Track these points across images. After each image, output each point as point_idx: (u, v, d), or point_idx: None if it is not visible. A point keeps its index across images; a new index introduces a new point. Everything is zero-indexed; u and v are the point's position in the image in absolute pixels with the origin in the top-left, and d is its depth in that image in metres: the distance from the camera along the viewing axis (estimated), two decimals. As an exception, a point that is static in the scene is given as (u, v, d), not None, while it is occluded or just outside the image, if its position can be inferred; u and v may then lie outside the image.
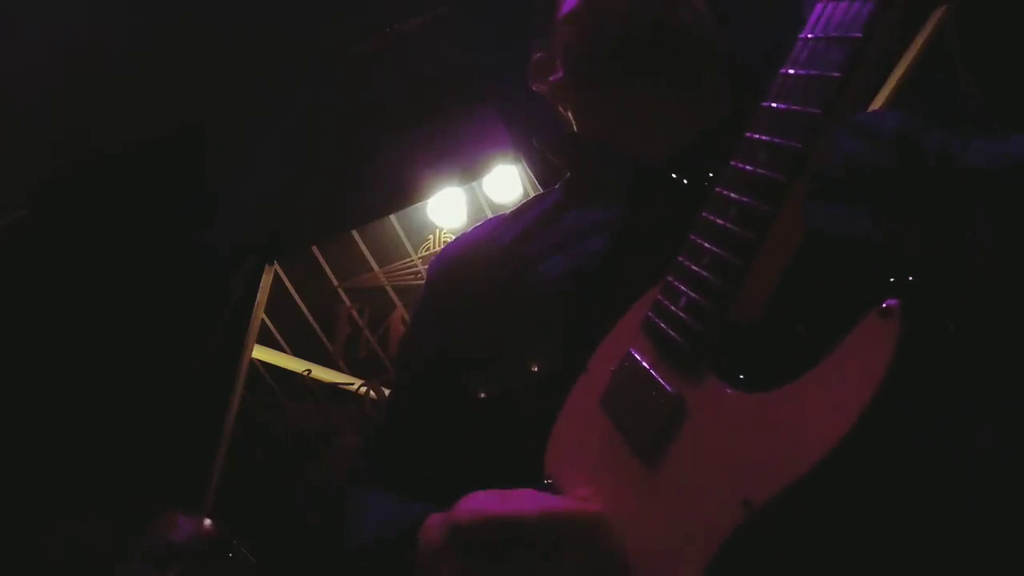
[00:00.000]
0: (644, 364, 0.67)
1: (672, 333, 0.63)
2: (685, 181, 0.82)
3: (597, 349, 0.74)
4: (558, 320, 0.84)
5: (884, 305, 0.49)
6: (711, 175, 0.78)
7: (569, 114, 1.09)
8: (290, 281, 4.47)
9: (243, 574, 3.45)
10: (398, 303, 4.51)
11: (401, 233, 4.28)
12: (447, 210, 3.83)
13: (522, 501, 0.66)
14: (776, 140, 0.59)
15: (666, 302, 0.65)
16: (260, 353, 4.29)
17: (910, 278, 0.50)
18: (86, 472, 2.92)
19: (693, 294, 0.62)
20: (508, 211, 1.11)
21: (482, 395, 0.88)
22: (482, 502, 0.68)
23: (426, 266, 4.15)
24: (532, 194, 3.92)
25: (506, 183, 3.63)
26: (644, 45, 0.93)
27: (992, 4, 2.06)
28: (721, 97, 0.96)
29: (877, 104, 2.14)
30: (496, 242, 1.02)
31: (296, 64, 2.88)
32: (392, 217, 4.05)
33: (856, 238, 0.75)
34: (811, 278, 0.63)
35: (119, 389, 2.99)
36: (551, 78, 1.07)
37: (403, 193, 2.99)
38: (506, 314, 0.91)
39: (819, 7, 0.60)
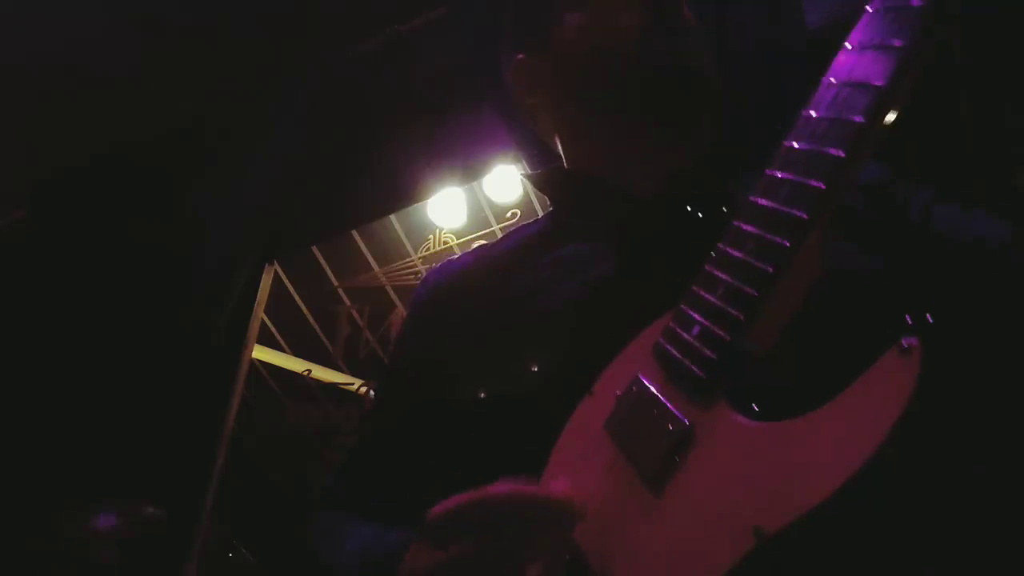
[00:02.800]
0: (653, 390, 0.67)
1: (684, 360, 0.65)
2: (700, 215, 0.83)
3: (603, 373, 0.75)
4: (559, 348, 0.85)
5: (904, 343, 0.50)
6: (724, 208, 0.80)
7: (556, 136, 1.07)
8: (290, 281, 4.48)
9: (243, 574, 3.45)
10: (398, 303, 4.51)
11: (401, 233, 4.29)
12: (447, 210, 3.83)
13: (496, 486, 0.66)
14: (799, 179, 0.61)
15: (678, 330, 0.67)
16: (260, 353, 4.30)
17: (928, 317, 0.51)
18: (86, 472, 2.92)
19: (707, 323, 0.63)
20: (490, 242, 1.10)
21: (481, 398, 0.87)
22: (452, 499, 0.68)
23: (426, 266, 4.16)
24: (532, 195, 3.92)
25: (506, 183, 3.64)
26: (650, 82, 0.93)
27: (995, 24, 2.05)
28: (713, 134, 0.96)
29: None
30: (484, 271, 1.01)
31: (296, 64, 2.88)
32: (392, 217, 4.05)
33: (867, 273, 0.76)
34: (825, 313, 0.64)
35: (119, 389, 2.99)
36: (539, 94, 1.05)
37: (403, 193, 2.99)
38: (500, 344, 0.91)
39: (842, 55, 0.62)
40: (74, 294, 3.11)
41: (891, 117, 0.58)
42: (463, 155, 2.85)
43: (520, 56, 1.07)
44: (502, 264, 1.02)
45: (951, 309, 0.61)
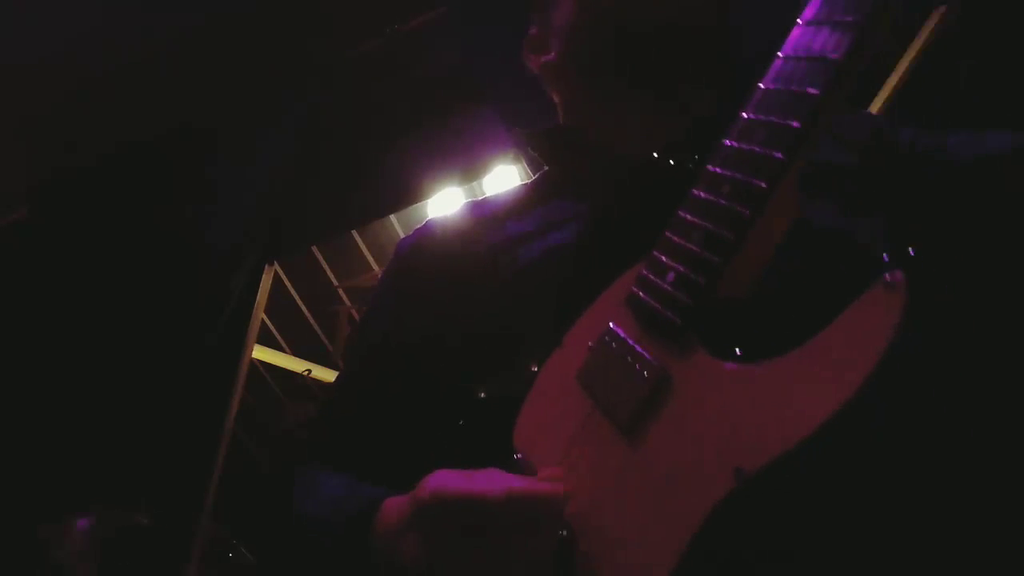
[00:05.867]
0: (627, 338, 0.66)
1: (659, 307, 0.63)
2: (672, 162, 0.82)
3: (574, 324, 0.74)
4: (538, 302, 0.84)
5: (888, 278, 0.49)
6: (696, 158, 0.79)
7: (555, 97, 1.08)
8: (290, 281, 4.48)
9: (243, 574, 3.45)
10: (398, 303, 4.51)
11: (401, 233, 4.28)
12: (447, 210, 3.82)
13: (487, 481, 0.66)
14: (775, 119, 0.60)
15: (652, 277, 0.65)
16: (260, 353, 4.29)
17: (910, 251, 0.50)
18: (85, 472, 2.92)
19: (683, 268, 0.62)
20: (479, 199, 1.09)
21: (481, 395, 0.87)
22: (446, 480, 0.67)
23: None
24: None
25: (506, 183, 3.63)
26: (645, 44, 0.92)
27: (992, 4, 2.06)
28: (709, 102, 0.96)
29: (876, 105, 2.14)
30: (469, 229, 1.01)
31: (297, 64, 2.88)
32: (392, 217, 4.05)
33: (847, 225, 0.75)
34: (803, 260, 0.64)
35: (119, 389, 2.99)
36: (544, 57, 1.05)
37: (403, 193, 2.99)
38: (479, 298, 0.90)
39: None
40: (74, 294, 3.11)
41: (867, 56, 0.57)
42: (463, 155, 2.85)
43: (534, 30, 1.09)
44: (491, 217, 1.01)
45: (937, 239, 0.60)
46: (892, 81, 2.16)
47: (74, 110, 2.85)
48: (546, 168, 1.07)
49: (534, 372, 0.76)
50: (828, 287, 0.59)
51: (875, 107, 2.13)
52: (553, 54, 1.03)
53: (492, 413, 0.80)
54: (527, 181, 1.11)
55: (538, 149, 1.07)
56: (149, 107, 2.88)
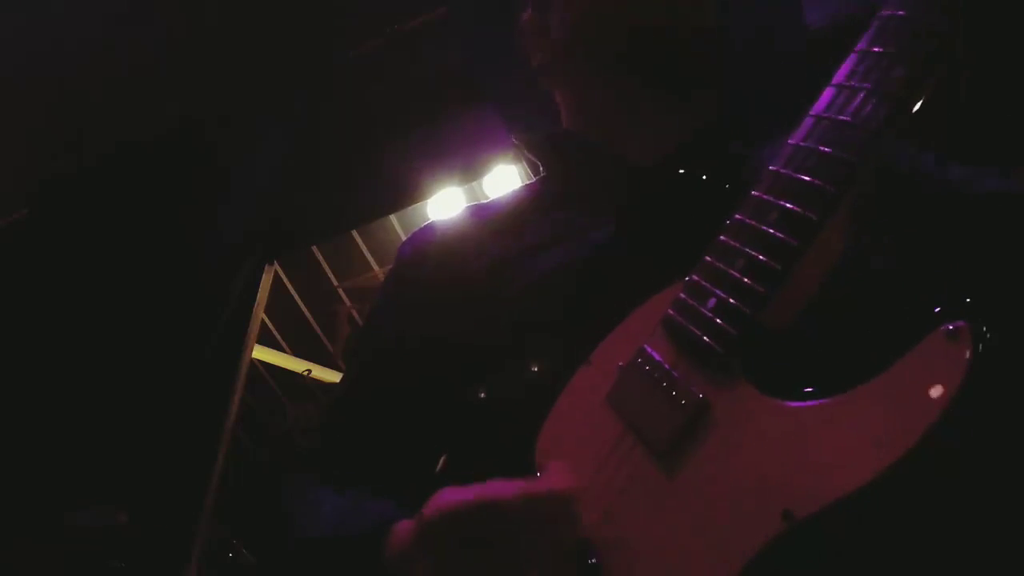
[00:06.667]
0: (663, 362, 0.65)
1: (699, 333, 0.62)
2: (704, 178, 0.80)
3: (602, 342, 0.72)
4: (551, 314, 0.82)
5: (951, 327, 0.49)
6: (710, 170, 0.77)
7: (557, 95, 1.05)
8: (290, 281, 4.47)
9: (243, 574, 3.45)
10: (398, 303, 4.50)
11: (401, 233, 4.28)
12: (447, 210, 3.83)
13: (496, 487, 0.64)
14: (828, 151, 0.59)
15: (692, 302, 0.64)
16: (260, 353, 4.29)
17: (967, 300, 0.50)
18: (85, 472, 2.91)
19: (726, 296, 0.61)
20: (478, 204, 1.06)
21: (481, 395, 0.86)
22: (453, 495, 0.65)
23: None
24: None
25: (506, 183, 3.63)
26: (661, 41, 0.91)
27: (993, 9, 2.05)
28: (712, 106, 0.95)
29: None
30: (472, 237, 0.98)
31: (297, 64, 2.88)
32: (392, 217, 4.04)
33: (887, 259, 0.74)
34: (847, 295, 0.63)
35: (119, 389, 2.98)
36: (543, 54, 1.03)
37: (403, 193, 2.99)
38: (486, 309, 0.88)
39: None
40: (74, 294, 3.11)
41: (928, 93, 0.57)
42: (463, 155, 2.85)
43: (528, 13, 1.06)
44: (494, 225, 0.99)
45: (987, 283, 0.60)
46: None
47: (74, 110, 2.85)
48: (544, 174, 1.05)
49: (552, 386, 0.74)
50: (878, 321, 0.59)
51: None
52: (556, 48, 1.00)
53: (494, 416, 0.79)
54: (527, 183, 1.08)
55: (538, 155, 1.05)
56: (149, 107, 2.88)
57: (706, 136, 0.89)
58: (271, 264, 3.23)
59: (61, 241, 3.20)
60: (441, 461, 0.86)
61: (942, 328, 0.50)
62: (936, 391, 0.48)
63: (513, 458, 0.73)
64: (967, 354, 0.48)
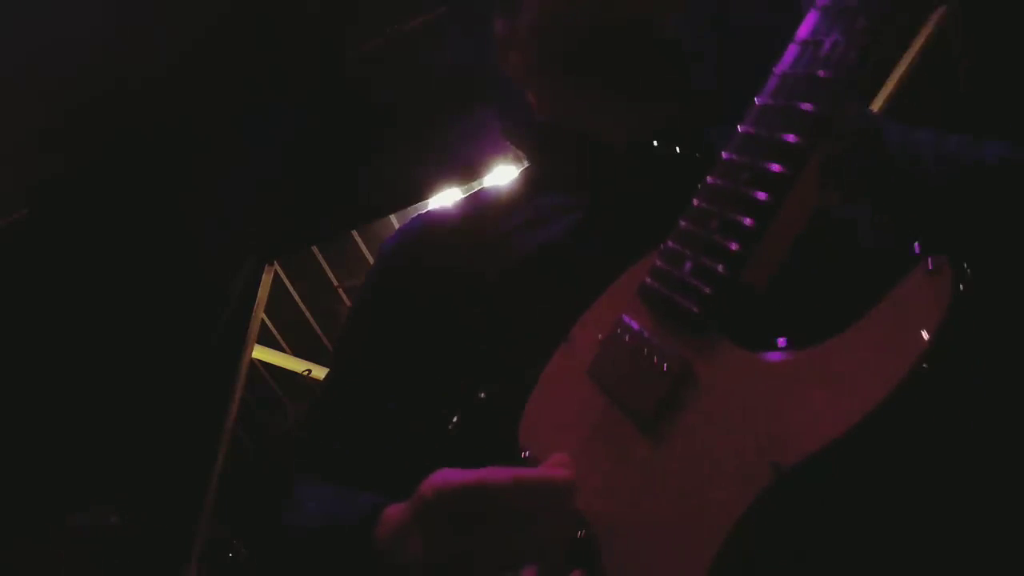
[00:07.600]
0: (642, 331, 0.64)
1: (676, 297, 0.62)
2: (676, 151, 0.81)
3: (580, 318, 0.72)
4: (530, 296, 0.82)
5: (931, 263, 0.48)
6: (684, 145, 0.77)
7: (529, 95, 1.07)
8: (290, 281, 4.47)
9: (243, 574, 3.45)
10: (398, 303, 4.50)
11: (401, 233, 4.28)
12: (434, 206, 3.82)
13: (492, 471, 0.63)
14: (794, 105, 0.59)
15: (667, 267, 0.64)
16: (260, 353, 4.29)
17: (947, 239, 0.49)
18: (85, 472, 2.92)
19: (700, 258, 0.61)
20: (463, 197, 1.07)
21: (482, 395, 0.86)
22: (448, 475, 0.65)
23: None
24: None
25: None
26: (601, 43, 0.91)
27: (992, 3, 2.06)
28: (677, 101, 0.95)
29: (876, 104, 2.14)
30: (457, 227, 1.00)
31: (297, 64, 2.88)
32: (392, 217, 4.04)
33: (861, 215, 0.74)
34: (823, 250, 0.62)
35: (119, 389, 2.99)
36: (514, 58, 1.04)
37: (403, 193, 2.99)
38: (471, 296, 0.89)
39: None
40: (74, 294, 3.11)
41: (889, 40, 0.57)
42: (463, 155, 2.85)
43: (500, 21, 1.08)
44: (476, 216, 1.00)
45: (956, 231, 0.59)
46: (892, 81, 2.16)
47: (74, 110, 2.85)
48: (528, 165, 1.06)
49: (535, 368, 0.74)
50: (847, 276, 0.58)
51: (876, 106, 2.13)
52: (527, 53, 1.02)
53: (491, 413, 0.79)
54: (508, 181, 1.10)
55: (519, 145, 1.06)
56: (149, 107, 2.88)
57: (679, 122, 0.90)
58: (271, 264, 3.23)
59: (61, 241, 3.21)
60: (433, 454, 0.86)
61: (922, 264, 0.49)
62: (921, 325, 0.47)
63: (517, 455, 0.73)
64: (950, 286, 0.47)
